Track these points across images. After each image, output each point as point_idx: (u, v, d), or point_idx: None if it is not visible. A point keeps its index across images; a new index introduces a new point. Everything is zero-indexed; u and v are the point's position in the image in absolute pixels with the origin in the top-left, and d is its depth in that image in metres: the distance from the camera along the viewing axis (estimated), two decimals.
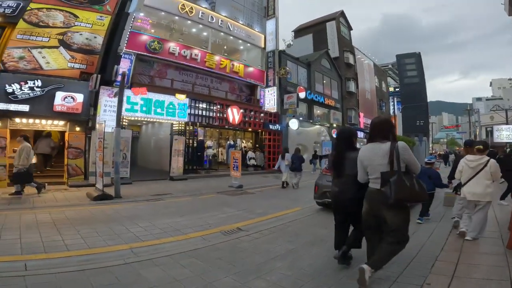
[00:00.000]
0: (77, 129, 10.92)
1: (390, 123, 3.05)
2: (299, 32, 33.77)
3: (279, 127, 18.82)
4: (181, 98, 14.05)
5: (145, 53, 14.05)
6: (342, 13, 31.72)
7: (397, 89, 52.94)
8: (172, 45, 15.11)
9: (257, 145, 18.73)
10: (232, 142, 17.93)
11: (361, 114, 29.70)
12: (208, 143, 15.57)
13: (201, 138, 15.25)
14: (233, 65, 18.01)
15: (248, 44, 20.00)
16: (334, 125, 25.28)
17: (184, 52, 15.62)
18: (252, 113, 18.12)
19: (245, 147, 18.13)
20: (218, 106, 16.20)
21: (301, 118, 20.94)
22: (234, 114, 16.46)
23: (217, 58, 17.32)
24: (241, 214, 6.58)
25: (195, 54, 16.13)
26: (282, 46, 27.55)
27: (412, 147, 10.54)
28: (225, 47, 19.61)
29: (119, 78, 10.22)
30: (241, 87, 19.52)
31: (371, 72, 34.66)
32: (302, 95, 21.06)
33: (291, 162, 11.32)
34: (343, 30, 30.92)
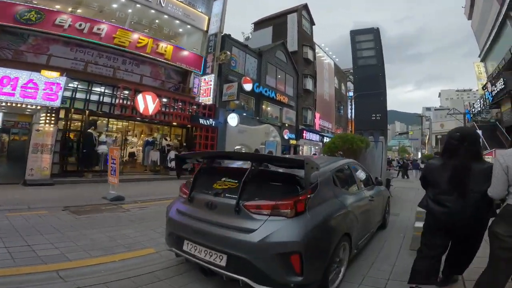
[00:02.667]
0: None
1: None
2: (260, 24, 29.63)
3: (213, 122, 14.45)
4: (50, 76, 9.18)
5: (11, 24, 10.02)
6: (305, 6, 27.97)
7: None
8: (62, 17, 10.87)
9: (184, 144, 14.22)
10: (151, 139, 13.31)
11: (317, 115, 26.21)
12: (102, 137, 10.83)
13: (89, 130, 10.49)
14: (157, 45, 13.44)
15: (188, 26, 15.61)
16: (286, 125, 21.42)
17: (81, 25, 11.32)
18: (180, 104, 13.59)
19: (168, 145, 13.57)
20: (126, 92, 11.52)
21: (244, 114, 16.73)
22: (147, 103, 11.84)
23: (135, 36, 12.79)
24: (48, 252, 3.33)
25: (99, 29, 11.72)
26: (240, 39, 23.43)
27: (365, 150, 7.17)
28: (165, 29, 15.41)
29: None
30: (169, 73, 14.93)
31: (331, 72, 31.44)
32: (248, 87, 16.90)
33: None
34: (305, 24, 27.22)
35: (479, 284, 2.18)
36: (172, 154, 12.94)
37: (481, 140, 2.70)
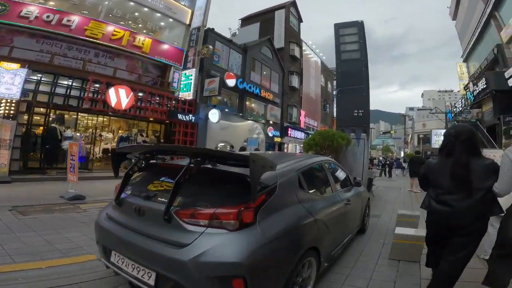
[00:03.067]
0: None
1: None
2: (247, 21, 28.94)
3: (193, 118, 13.74)
4: (10, 68, 8.33)
5: None
6: (293, 3, 27.38)
7: None
8: (29, 8, 10.29)
9: (162, 140, 13.47)
10: (125, 135, 12.50)
11: (303, 112, 25.81)
12: (68, 132, 9.98)
13: (53, 125, 9.64)
14: (134, 38, 12.66)
15: (170, 20, 14.91)
16: (271, 122, 20.90)
17: (49, 17, 10.69)
18: (157, 98, 12.82)
19: (144, 141, 12.78)
20: (97, 85, 10.71)
21: (227, 110, 16.07)
22: (120, 96, 11.03)
23: (109, 28, 12.10)
24: None
25: (69, 20, 11.07)
26: (227, 35, 22.68)
27: (346, 147, 6.65)
28: (146, 23, 14.59)
29: None
30: (147, 67, 14.13)
31: (317, 70, 31.12)
32: (231, 82, 16.24)
33: None
34: (292, 20, 26.67)
35: (489, 274, 2.23)
36: None
37: (479, 136, 2.57)
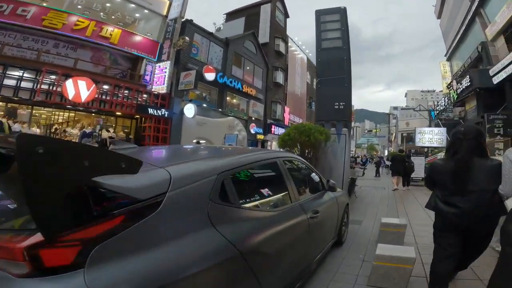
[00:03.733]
0: None
1: None
2: (232, 15, 27.83)
3: (166, 112, 12.62)
4: None
5: None
6: None
7: None
8: None
9: (130, 136, 12.29)
10: (88, 130, 11.26)
11: (287, 109, 24.98)
12: (15, 126, 8.76)
13: (0, 119, 8.38)
14: (100, 28, 11.45)
15: (146, 11, 13.60)
16: (253, 118, 19.94)
17: (2, 6, 9.75)
18: (126, 92, 11.65)
19: (111, 137, 11.56)
20: (53, 77, 9.48)
21: (205, 105, 14.99)
22: (79, 89, 9.82)
23: (72, 18, 11.06)
24: None
25: (24, 10, 10.05)
26: (211, 30, 21.53)
27: (325, 143, 5.77)
28: (120, 14, 13.31)
29: None
30: (116, 58, 12.89)
31: (303, 67, 30.38)
32: (210, 76, 15.16)
33: None
34: (279, 15, 25.75)
35: (493, 280, 2.05)
36: (111, 148, 11.00)
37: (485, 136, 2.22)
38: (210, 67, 15.33)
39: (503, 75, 13.57)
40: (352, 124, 67.56)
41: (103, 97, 10.94)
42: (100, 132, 11.60)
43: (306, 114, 30.96)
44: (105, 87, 10.98)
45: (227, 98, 17.74)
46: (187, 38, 13.63)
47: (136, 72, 13.05)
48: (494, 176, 2.08)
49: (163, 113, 12.47)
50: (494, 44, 16.25)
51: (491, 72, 14.80)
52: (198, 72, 13.70)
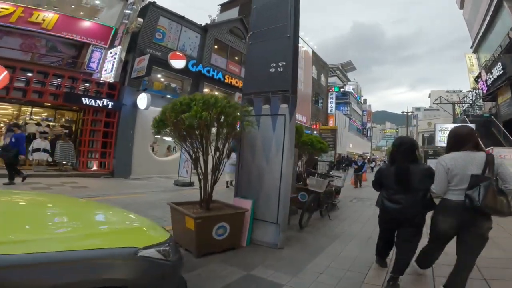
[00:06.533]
0: None
1: (477, 133, 2.74)
2: (227, 5, 25.47)
3: (110, 103, 10.15)
4: None
5: None
6: None
7: (342, 89, 46.44)
8: None
9: (65, 131, 9.94)
10: (12, 124, 9.04)
11: None
12: None
13: None
14: (30, 14, 9.33)
15: None
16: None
17: None
18: (59, 80, 9.34)
19: (44, 132, 9.31)
20: None
21: (168, 96, 12.37)
22: None
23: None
24: None
25: None
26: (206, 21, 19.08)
27: (231, 129, 3.83)
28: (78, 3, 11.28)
29: None
30: (55, 45, 10.68)
31: (308, 61, 27.06)
32: (177, 64, 12.57)
33: None
34: None
35: (423, 254, 2.84)
36: (35, 144, 8.70)
37: (418, 145, 3.30)
38: (177, 53, 12.73)
39: None
40: (369, 125, 62.63)
41: (25, 85, 8.71)
42: (24, 125, 9.40)
43: (312, 111, 27.58)
44: (29, 74, 8.76)
45: (205, 90, 15.06)
46: (140, 20, 11.16)
47: (80, 59, 10.75)
48: (426, 178, 2.61)
49: (105, 103, 9.99)
50: None
51: None
52: (153, 57, 11.13)
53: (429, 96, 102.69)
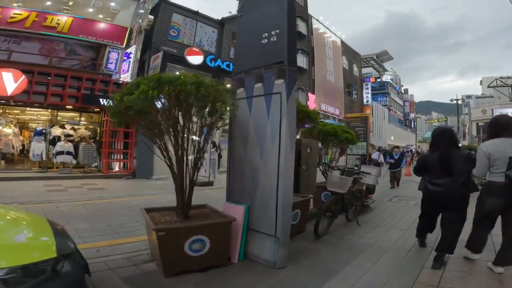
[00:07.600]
0: None
1: None
2: None
3: None
4: None
5: None
6: None
7: (378, 80, 42.78)
8: None
9: (89, 134, 9.96)
10: (39, 128, 9.33)
11: (312, 97, 20.33)
12: None
13: None
14: (45, 18, 9.52)
15: None
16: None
17: None
18: (79, 82, 9.38)
19: (68, 135, 9.41)
20: None
21: None
22: (4, 82, 7.89)
23: (7, 12, 9.46)
24: None
25: None
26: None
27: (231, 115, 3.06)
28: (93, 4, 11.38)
29: None
30: (74, 48, 10.83)
31: (337, 51, 25.14)
32: (194, 59, 12.14)
33: None
34: None
35: (472, 237, 2.89)
36: (59, 146, 8.77)
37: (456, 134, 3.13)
38: (194, 49, 12.27)
39: None
40: (412, 115, 57.13)
41: (45, 89, 8.83)
42: (49, 129, 9.59)
43: (345, 103, 25.51)
44: (49, 78, 8.87)
45: (227, 85, 14.43)
46: (150, 17, 10.87)
47: (98, 61, 10.77)
48: (466, 162, 2.80)
49: None
50: None
51: None
52: (169, 54, 10.75)
53: (481, 83, 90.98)
